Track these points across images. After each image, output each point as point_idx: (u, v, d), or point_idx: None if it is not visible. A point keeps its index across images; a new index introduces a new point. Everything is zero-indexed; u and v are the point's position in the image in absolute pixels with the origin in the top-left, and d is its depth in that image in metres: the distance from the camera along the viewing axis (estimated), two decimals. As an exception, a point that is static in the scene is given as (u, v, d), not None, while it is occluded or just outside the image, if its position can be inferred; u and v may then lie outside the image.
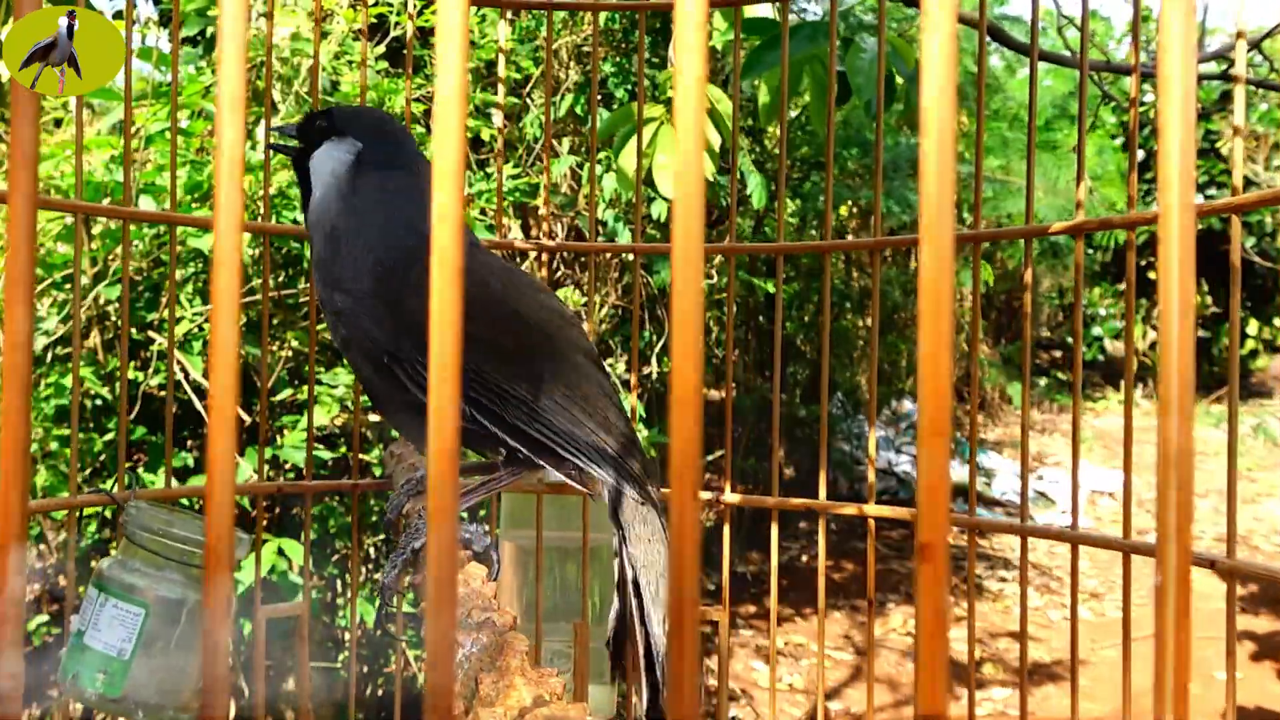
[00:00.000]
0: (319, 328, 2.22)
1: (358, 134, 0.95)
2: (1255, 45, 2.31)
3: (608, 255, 3.13)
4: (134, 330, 2.28)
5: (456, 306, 0.22)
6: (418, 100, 2.55)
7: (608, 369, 0.92)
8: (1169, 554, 0.23)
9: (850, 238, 4.58)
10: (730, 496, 1.16)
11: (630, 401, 1.21)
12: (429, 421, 0.21)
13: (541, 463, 0.87)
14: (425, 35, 2.85)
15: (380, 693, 2.59)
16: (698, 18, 0.22)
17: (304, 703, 1.10)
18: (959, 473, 5.12)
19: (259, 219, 2.36)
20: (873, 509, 1.10)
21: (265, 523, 2.31)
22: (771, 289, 3.78)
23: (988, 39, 1.24)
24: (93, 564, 2.15)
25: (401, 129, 0.99)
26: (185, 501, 1.16)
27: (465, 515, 0.94)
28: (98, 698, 0.85)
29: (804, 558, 4.65)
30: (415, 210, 0.92)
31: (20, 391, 0.22)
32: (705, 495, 1.18)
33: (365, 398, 1.31)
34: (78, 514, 2.14)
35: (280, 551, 2.07)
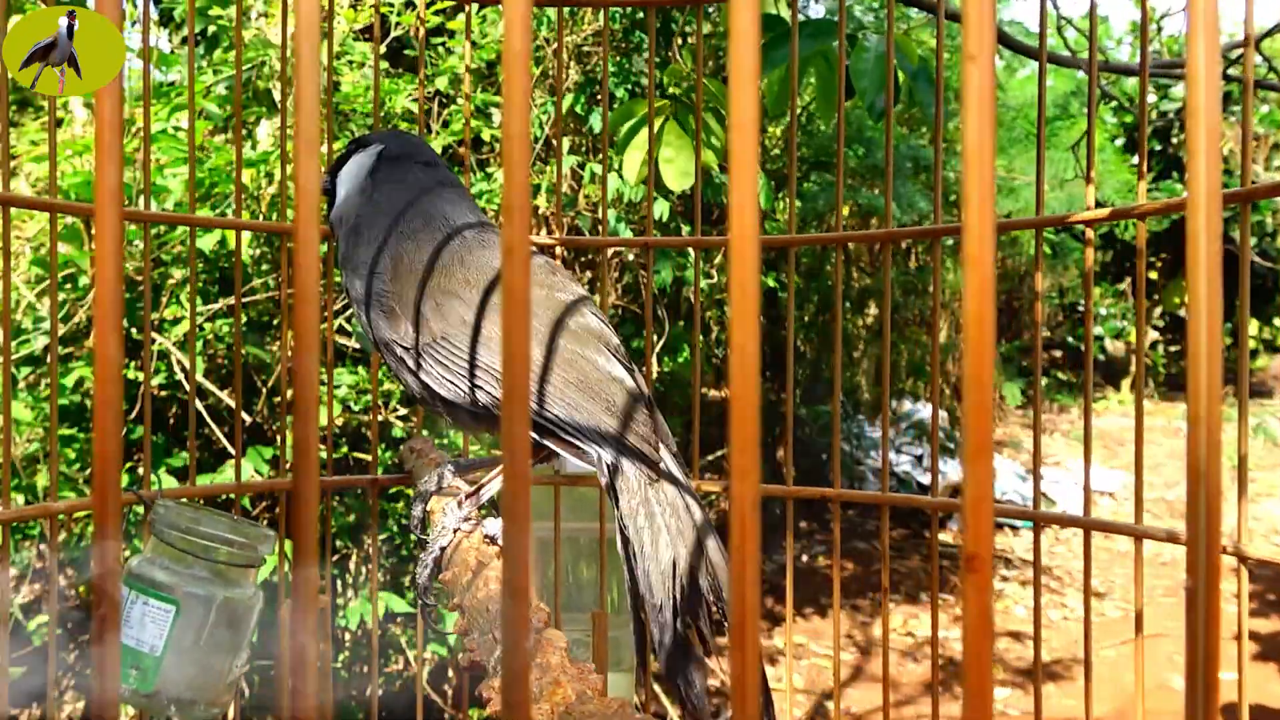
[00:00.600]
0: (340, 324, 2.21)
1: (380, 139, 1.02)
2: (1254, 45, 2.31)
3: (608, 254, 3.13)
4: (135, 330, 2.28)
5: (525, 337, 0.22)
6: (415, 100, 2.54)
7: (619, 351, 0.93)
8: (1200, 554, 0.23)
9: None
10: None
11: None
12: (502, 442, 0.22)
13: (547, 443, 0.88)
14: (425, 36, 2.85)
15: (380, 692, 2.59)
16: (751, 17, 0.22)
17: (327, 702, 1.10)
18: (960, 470, 5.12)
19: (259, 217, 2.36)
20: (889, 496, 1.11)
21: (268, 521, 2.32)
22: (773, 283, 3.79)
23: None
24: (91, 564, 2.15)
25: (417, 137, 1.05)
26: (185, 501, 1.16)
27: (494, 508, 0.95)
28: (130, 694, 0.86)
29: (804, 557, 4.65)
30: (429, 204, 0.96)
31: (113, 411, 0.22)
32: (715, 486, 1.19)
33: (365, 399, 1.31)
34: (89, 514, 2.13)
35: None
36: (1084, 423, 1.00)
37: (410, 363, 0.90)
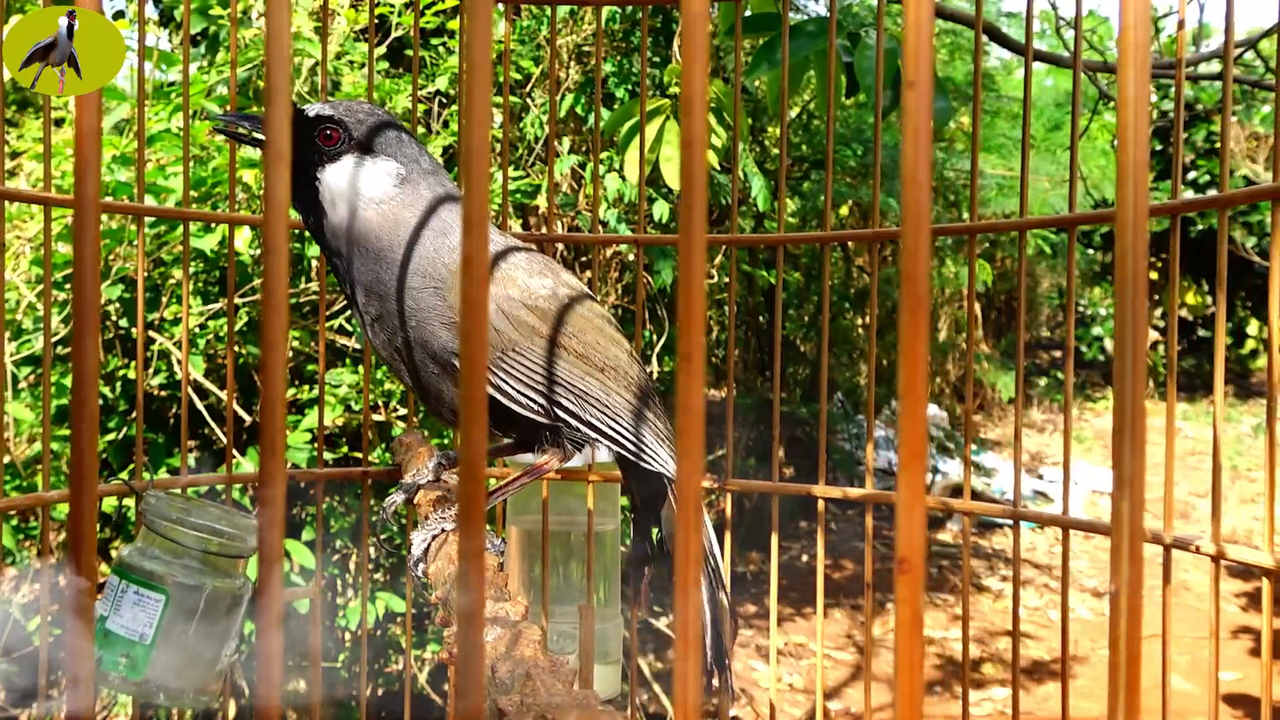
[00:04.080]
0: (339, 324, 2.21)
1: (387, 151, 0.94)
2: (1251, 45, 2.31)
3: (607, 254, 3.13)
4: (134, 330, 2.28)
5: (482, 319, 0.22)
6: (420, 101, 2.54)
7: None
8: (1123, 559, 0.24)
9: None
10: (732, 482, 1.20)
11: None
12: (461, 419, 0.22)
13: (604, 444, 0.94)
14: (425, 36, 2.85)
15: (380, 693, 2.59)
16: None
17: (316, 681, 1.11)
18: (959, 469, 5.13)
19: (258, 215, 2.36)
20: (874, 494, 1.12)
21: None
22: (774, 281, 3.79)
23: (985, 38, 1.24)
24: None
25: (411, 136, 0.99)
26: (178, 491, 1.16)
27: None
28: (120, 681, 0.87)
29: (804, 558, 4.65)
30: (454, 220, 0.96)
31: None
32: (706, 483, 1.20)
33: (363, 399, 1.31)
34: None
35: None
36: (1064, 420, 1.00)
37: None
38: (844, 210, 4.81)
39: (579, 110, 2.98)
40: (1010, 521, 1.10)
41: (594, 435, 0.92)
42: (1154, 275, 9.19)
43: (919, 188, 0.22)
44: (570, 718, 0.46)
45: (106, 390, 2.28)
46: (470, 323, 0.22)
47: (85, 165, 0.23)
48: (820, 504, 1.15)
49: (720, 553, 1.00)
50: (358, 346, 2.40)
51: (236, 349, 2.06)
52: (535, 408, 0.91)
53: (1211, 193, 0.85)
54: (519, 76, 2.96)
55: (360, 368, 2.38)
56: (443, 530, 0.89)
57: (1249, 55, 2.60)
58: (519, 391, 0.90)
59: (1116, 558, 0.24)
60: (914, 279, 0.22)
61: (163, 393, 2.34)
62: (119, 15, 2.83)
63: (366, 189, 0.93)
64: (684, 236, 0.21)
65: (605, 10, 2.74)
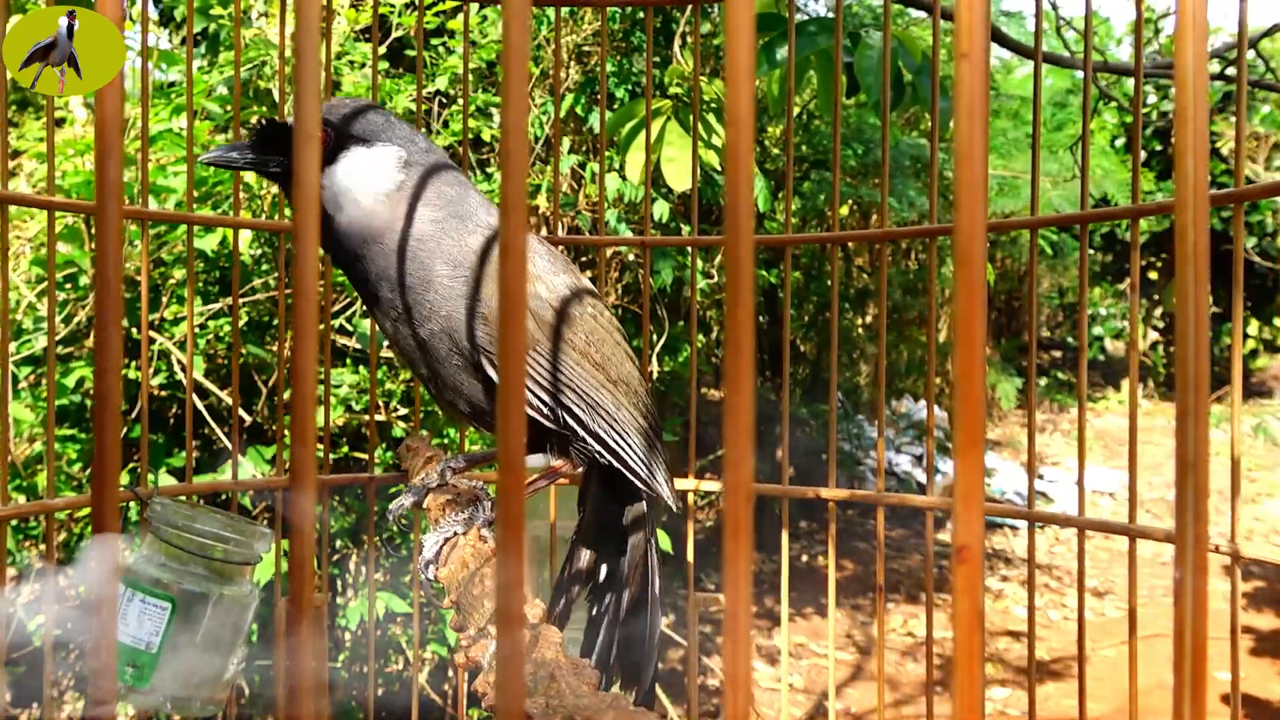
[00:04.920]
0: (340, 324, 2.22)
1: (381, 138, 0.90)
2: (1252, 45, 2.31)
3: (607, 254, 3.13)
4: (134, 330, 2.28)
5: (521, 316, 0.22)
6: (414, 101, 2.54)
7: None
8: (1188, 543, 0.23)
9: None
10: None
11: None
12: (498, 420, 0.22)
13: (609, 461, 0.92)
14: (425, 36, 2.85)
15: (379, 692, 2.58)
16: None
17: (324, 684, 1.11)
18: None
19: (261, 216, 2.36)
20: (883, 495, 1.12)
21: (268, 520, 2.32)
22: (775, 281, 3.79)
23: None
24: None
25: (400, 119, 0.95)
26: (182, 499, 1.16)
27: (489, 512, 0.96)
28: (127, 690, 0.87)
29: (804, 558, 4.65)
30: (483, 210, 0.92)
31: (113, 406, 0.22)
32: (713, 486, 1.19)
33: (366, 399, 1.31)
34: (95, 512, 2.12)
35: (284, 552, 2.07)
36: (1079, 420, 1.00)
37: (492, 372, 0.88)
38: (844, 210, 4.81)
39: (579, 110, 2.98)
40: (1014, 521, 1.10)
41: (599, 449, 0.90)
42: (1154, 275, 9.19)
43: (974, 164, 0.21)
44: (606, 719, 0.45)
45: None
46: (509, 308, 0.21)
47: (107, 150, 0.23)
48: (831, 506, 1.14)
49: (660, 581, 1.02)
50: (358, 347, 2.40)
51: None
52: (545, 412, 0.89)
53: (1212, 191, 0.85)
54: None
55: (360, 368, 2.38)
56: (454, 533, 0.89)
57: (1248, 55, 2.60)
58: (530, 392, 0.88)
59: (1181, 546, 0.23)
60: (969, 260, 0.21)
61: (162, 393, 2.34)
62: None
63: (371, 182, 0.89)
64: (731, 236, 0.21)
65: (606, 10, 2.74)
